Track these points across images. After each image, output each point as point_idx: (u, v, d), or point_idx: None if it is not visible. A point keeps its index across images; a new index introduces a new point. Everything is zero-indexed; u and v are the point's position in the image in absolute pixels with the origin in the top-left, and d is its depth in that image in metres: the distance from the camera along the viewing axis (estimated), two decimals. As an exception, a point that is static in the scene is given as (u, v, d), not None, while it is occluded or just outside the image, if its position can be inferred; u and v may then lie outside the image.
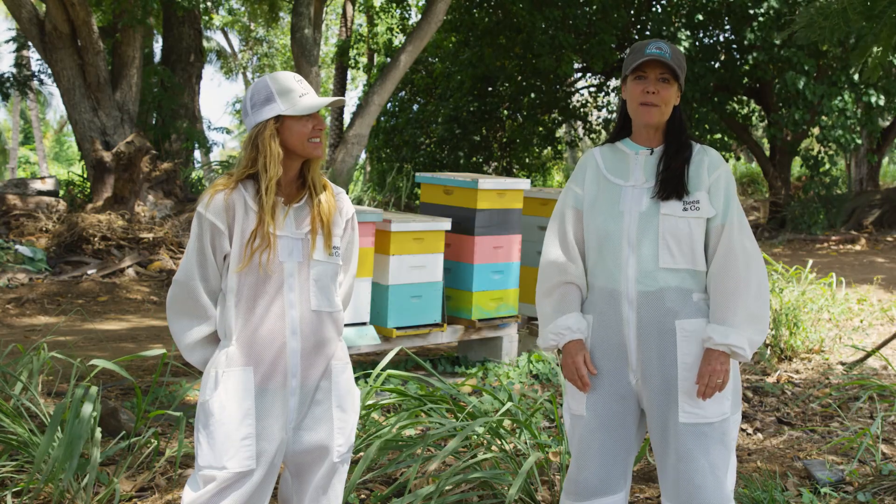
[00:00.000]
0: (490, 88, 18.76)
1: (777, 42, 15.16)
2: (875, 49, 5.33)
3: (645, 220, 2.71)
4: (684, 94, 13.73)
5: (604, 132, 19.26)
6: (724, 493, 2.70)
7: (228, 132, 20.17)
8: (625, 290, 2.71)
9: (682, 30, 15.97)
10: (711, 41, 16.92)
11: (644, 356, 2.71)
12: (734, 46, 16.75)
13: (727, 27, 16.67)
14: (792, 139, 16.96)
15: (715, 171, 2.74)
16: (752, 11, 15.52)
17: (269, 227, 2.57)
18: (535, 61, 17.01)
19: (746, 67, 16.25)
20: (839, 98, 15.44)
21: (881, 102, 15.81)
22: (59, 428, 3.67)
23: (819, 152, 16.70)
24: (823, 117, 15.63)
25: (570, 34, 16.56)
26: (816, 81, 15.60)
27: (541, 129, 19.04)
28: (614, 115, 18.93)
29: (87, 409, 3.53)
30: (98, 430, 3.68)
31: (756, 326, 2.69)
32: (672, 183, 2.71)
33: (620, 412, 2.76)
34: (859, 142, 16.36)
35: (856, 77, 15.42)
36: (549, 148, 19.92)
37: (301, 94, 2.58)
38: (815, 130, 17.01)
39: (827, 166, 16.65)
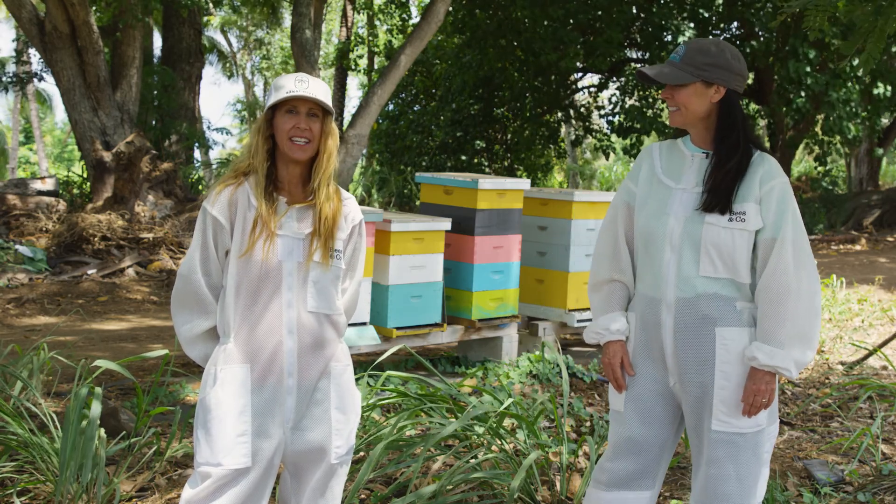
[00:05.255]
0: (492, 90, 18.75)
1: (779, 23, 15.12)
2: (869, 41, 5.31)
3: (689, 225, 2.67)
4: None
5: (605, 129, 19.24)
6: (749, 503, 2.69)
7: (228, 132, 20.18)
8: (664, 294, 2.69)
9: (687, 24, 15.96)
10: (717, 36, 16.92)
11: (681, 361, 2.69)
12: (738, 42, 16.73)
13: (735, 22, 16.63)
14: (792, 139, 16.95)
15: (769, 182, 2.65)
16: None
17: (267, 217, 2.58)
18: (535, 59, 17.01)
19: (748, 50, 16.13)
20: (843, 90, 15.42)
21: (888, 94, 15.78)
22: (60, 429, 3.67)
23: (825, 142, 16.63)
24: (828, 107, 15.58)
25: (574, 32, 16.56)
26: (819, 73, 15.59)
27: (543, 129, 19.04)
28: (616, 113, 18.90)
29: (96, 409, 3.54)
30: (102, 430, 3.69)
31: (804, 346, 2.63)
32: (718, 196, 2.64)
33: (659, 411, 2.76)
34: (862, 134, 16.33)
35: (859, 71, 15.40)
36: (552, 147, 19.92)
37: (288, 91, 2.59)
38: (818, 130, 17.00)
39: (832, 165, 16.67)
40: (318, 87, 2.60)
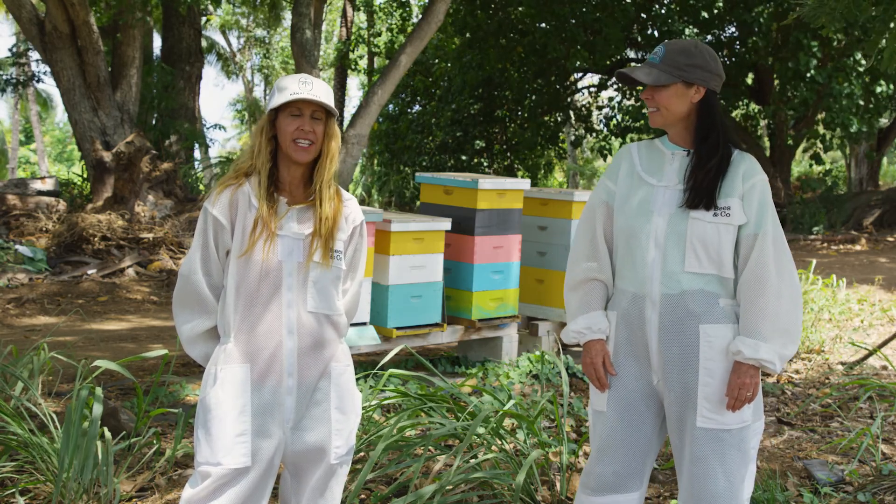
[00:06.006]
0: (493, 90, 18.75)
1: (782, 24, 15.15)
2: (886, 37, 5.28)
3: (674, 222, 2.69)
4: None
5: (605, 130, 19.26)
6: (737, 500, 2.69)
7: (223, 128, 20.21)
8: (648, 291, 2.70)
9: (689, 27, 15.96)
10: (716, 38, 16.91)
11: (665, 358, 2.70)
12: (737, 44, 16.74)
13: (733, 22, 16.66)
14: (793, 139, 16.95)
15: (750, 179, 2.69)
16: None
17: (267, 217, 2.58)
18: (537, 58, 17.00)
19: (750, 44, 16.10)
20: (846, 84, 15.42)
21: (889, 91, 15.79)
22: (60, 429, 3.67)
23: (826, 137, 16.61)
24: (830, 100, 15.57)
25: (579, 29, 16.59)
26: (822, 67, 15.60)
27: (543, 129, 19.05)
28: (613, 116, 18.91)
29: (98, 409, 3.55)
30: (105, 429, 3.69)
31: (786, 339, 2.65)
32: (701, 194, 2.67)
33: (641, 410, 2.75)
34: (864, 129, 16.32)
35: (862, 63, 15.40)
36: (552, 147, 19.93)
37: (293, 94, 2.59)
38: (819, 128, 17.00)
39: (832, 166, 16.70)
40: (321, 89, 2.60)
